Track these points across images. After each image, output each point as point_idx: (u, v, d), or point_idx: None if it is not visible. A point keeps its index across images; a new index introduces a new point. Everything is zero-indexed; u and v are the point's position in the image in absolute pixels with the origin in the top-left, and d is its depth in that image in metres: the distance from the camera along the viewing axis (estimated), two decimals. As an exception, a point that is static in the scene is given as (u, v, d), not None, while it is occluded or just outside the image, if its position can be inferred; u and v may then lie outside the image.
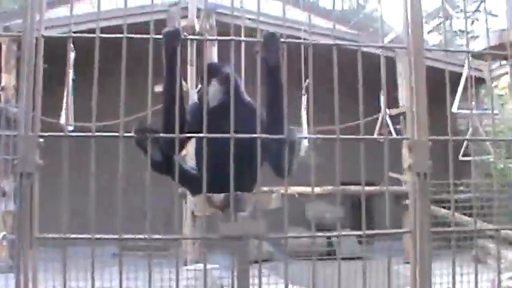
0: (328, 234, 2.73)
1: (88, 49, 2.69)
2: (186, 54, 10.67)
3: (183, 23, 11.04)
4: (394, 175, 11.78)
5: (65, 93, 9.15)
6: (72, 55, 9.21)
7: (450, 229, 2.91)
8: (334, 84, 2.79)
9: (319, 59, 2.75)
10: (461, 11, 25.19)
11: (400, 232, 3.07)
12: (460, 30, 26.28)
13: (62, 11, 12.39)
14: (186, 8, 12.16)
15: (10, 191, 10.60)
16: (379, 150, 2.89)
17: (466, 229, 3.10)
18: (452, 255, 2.83)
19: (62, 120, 9.29)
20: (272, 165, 3.24)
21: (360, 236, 2.83)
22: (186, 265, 9.14)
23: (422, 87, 2.82)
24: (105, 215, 4.01)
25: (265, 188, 9.47)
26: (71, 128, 9.16)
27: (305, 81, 10.64)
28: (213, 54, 11.30)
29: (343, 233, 2.79)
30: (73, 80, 9.18)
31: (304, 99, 11.42)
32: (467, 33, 3.56)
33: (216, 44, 11.30)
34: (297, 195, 10.51)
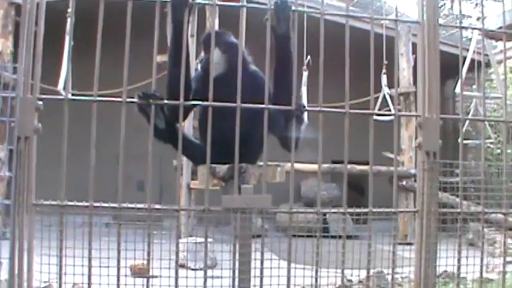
0: (334, 211, 2.66)
1: (90, 13, 2.59)
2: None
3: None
4: (390, 155, 11.72)
5: (64, 59, 9.04)
6: (69, 20, 9.05)
7: (458, 210, 2.85)
8: (345, 57, 2.70)
9: (324, 36, 2.65)
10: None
11: (407, 211, 3.00)
12: (462, 15, 26.06)
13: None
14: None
15: (5, 158, 10.49)
16: (376, 129, 2.81)
17: (474, 211, 3.02)
18: (459, 239, 2.77)
19: (60, 87, 9.15)
20: (278, 137, 3.15)
21: (356, 214, 2.76)
22: (179, 238, 9.10)
23: (436, 63, 2.74)
24: (99, 183, 3.93)
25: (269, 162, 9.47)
26: (69, 95, 9.01)
27: (306, 57, 10.53)
28: (215, 27, 11.12)
29: (349, 210, 2.71)
30: (72, 46, 9.04)
31: (305, 75, 11.31)
32: (482, 7, 3.43)
33: (217, 15, 11.15)
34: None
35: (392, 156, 12.16)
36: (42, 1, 2.60)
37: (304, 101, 10.93)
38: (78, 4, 2.81)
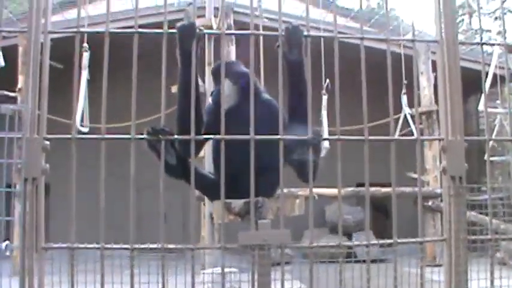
0: (355, 243, 2.53)
1: (102, 50, 2.53)
2: (203, 54, 10.48)
3: (200, 22, 10.86)
4: (415, 175, 11.51)
5: (78, 94, 9.06)
6: (86, 55, 9.09)
7: (488, 237, 2.69)
8: (362, 79, 2.59)
9: (341, 59, 2.54)
10: (481, 8, 24.81)
11: (434, 240, 2.85)
12: (482, 29, 25.86)
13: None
14: (203, 8, 12.01)
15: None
16: (398, 150, 2.68)
17: (505, 237, 2.86)
18: (490, 266, 2.61)
19: (77, 122, 9.15)
20: (295, 168, 3.04)
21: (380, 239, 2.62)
22: (203, 268, 8.96)
23: (457, 82, 2.60)
24: (118, 219, 3.84)
25: (288, 190, 9.31)
26: (85, 129, 9.04)
27: (325, 81, 10.42)
28: (231, 54, 11.13)
29: (373, 241, 2.57)
30: (88, 81, 9.08)
31: (324, 99, 11.20)
32: (503, 21, 3.30)
33: (234, 44, 11.15)
34: (316, 197, 10.28)
35: (415, 176, 11.95)
36: (46, 39, 2.53)
37: (325, 125, 10.80)
38: (91, 38, 2.74)
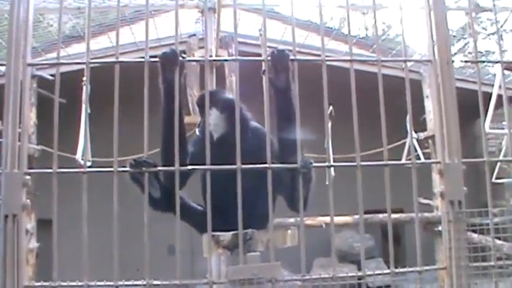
0: (353, 274, 2.42)
1: (105, 85, 2.48)
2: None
3: (201, 53, 10.84)
4: (424, 201, 11.34)
5: (81, 128, 9.02)
6: (85, 89, 9.06)
7: (491, 263, 2.56)
8: (352, 103, 2.49)
9: (342, 87, 2.45)
10: (485, 29, 24.81)
11: (434, 269, 2.73)
12: (486, 51, 25.83)
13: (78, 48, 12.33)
14: (203, 39, 12.01)
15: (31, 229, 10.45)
16: (406, 175, 2.58)
17: (510, 263, 2.73)
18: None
19: (78, 156, 9.08)
20: (285, 198, 2.93)
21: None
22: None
23: (453, 103, 2.51)
24: (127, 251, 3.72)
25: (290, 220, 9.13)
26: (88, 163, 8.95)
27: (328, 107, 10.33)
28: (233, 84, 11.08)
29: (368, 272, 2.45)
30: (88, 114, 9.03)
31: (328, 126, 11.11)
32: (499, 39, 3.22)
33: (237, 75, 11.11)
34: (324, 226, 10.13)
35: (426, 202, 11.77)
36: (25, 72, 2.47)
37: (330, 153, 10.67)
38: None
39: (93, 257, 2.42)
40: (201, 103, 3.21)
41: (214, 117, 3.02)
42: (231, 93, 3.24)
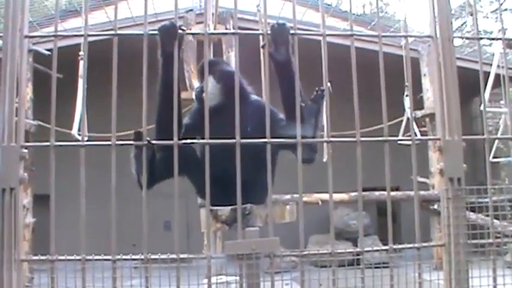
0: (349, 250, 2.41)
1: (102, 60, 2.45)
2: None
3: (199, 28, 10.77)
4: (420, 179, 11.36)
5: (77, 103, 8.98)
6: (82, 63, 9.01)
7: (489, 241, 2.56)
8: (353, 80, 2.47)
9: (340, 63, 2.42)
10: (483, 8, 24.66)
11: (432, 246, 2.73)
12: (483, 31, 25.74)
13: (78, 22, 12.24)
14: (201, 14, 11.93)
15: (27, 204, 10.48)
16: (403, 153, 2.58)
17: (508, 242, 2.74)
18: (493, 272, 2.48)
19: (74, 131, 9.06)
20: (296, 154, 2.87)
21: (386, 244, 2.49)
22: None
23: (454, 80, 2.49)
24: (124, 226, 3.72)
25: (286, 196, 9.13)
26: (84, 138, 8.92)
27: (323, 85, 10.28)
28: (231, 60, 11.03)
29: (367, 248, 2.45)
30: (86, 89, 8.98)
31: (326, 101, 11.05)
32: (501, 15, 3.18)
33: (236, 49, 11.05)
34: (320, 203, 10.15)
35: (423, 180, 11.78)
36: (23, 44, 2.44)
37: (325, 128, 10.65)
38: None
39: (88, 231, 2.41)
40: (200, 71, 3.18)
41: (210, 85, 2.96)
42: (231, 66, 3.19)
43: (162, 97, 2.79)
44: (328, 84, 2.77)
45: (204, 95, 2.60)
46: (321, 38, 2.48)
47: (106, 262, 2.33)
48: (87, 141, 2.51)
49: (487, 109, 10.61)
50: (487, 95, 9.85)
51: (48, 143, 2.39)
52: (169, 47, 2.60)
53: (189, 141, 2.45)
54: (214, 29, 10.09)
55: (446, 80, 2.52)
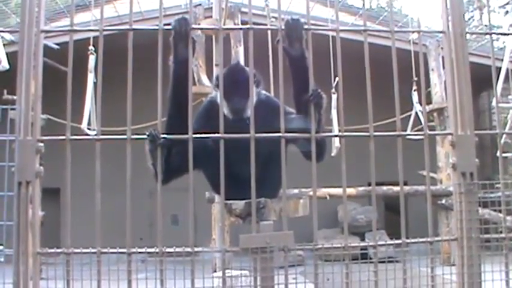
0: (362, 244, 2.43)
1: (108, 54, 2.46)
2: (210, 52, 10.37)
3: (207, 23, 10.79)
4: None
5: (87, 97, 9.02)
6: (92, 57, 9.06)
7: (502, 235, 2.58)
8: (366, 75, 2.48)
9: (348, 59, 2.43)
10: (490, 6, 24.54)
11: (445, 240, 2.74)
12: (491, 25, 25.60)
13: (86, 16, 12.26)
14: (210, 9, 11.95)
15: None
16: (410, 147, 2.58)
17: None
18: (505, 267, 2.49)
19: (84, 125, 9.10)
20: (303, 152, 2.89)
21: (393, 238, 2.51)
22: (215, 271, 8.85)
23: (466, 75, 2.49)
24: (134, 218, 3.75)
25: (294, 191, 9.15)
26: (92, 133, 8.98)
27: (334, 79, 10.29)
28: (239, 54, 11.04)
29: (380, 242, 2.46)
30: (94, 83, 9.01)
31: (334, 97, 11.05)
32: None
33: (242, 44, 11.06)
34: (328, 197, 10.17)
35: (431, 175, 11.81)
36: (39, 38, 2.45)
37: (335, 124, 10.64)
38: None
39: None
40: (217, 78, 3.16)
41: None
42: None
43: (174, 94, 2.81)
44: (337, 79, 2.79)
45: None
46: (333, 33, 2.49)
47: (111, 255, 2.36)
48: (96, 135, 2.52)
49: (500, 104, 10.58)
50: (499, 89, 9.80)
51: (64, 137, 2.41)
52: (182, 44, 2.63)
53: (203, 135, 2.46)
54: (224, 23, 10.09)
55: (458, 75, 2.53)
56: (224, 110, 2.60)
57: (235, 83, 2.92)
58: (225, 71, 2.66)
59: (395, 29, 2.62)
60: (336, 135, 2.48)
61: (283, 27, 2.61)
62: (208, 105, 3.14)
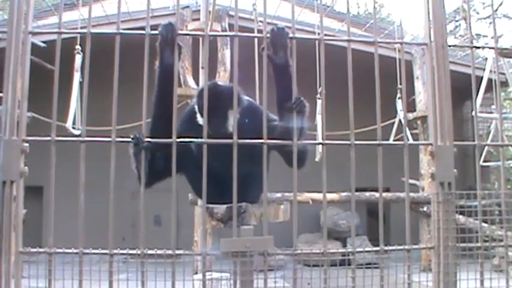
0: (341, 250, 2.47)
1: (94, 54, 2.47)
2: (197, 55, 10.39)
3: (194, 26, 10.80)
4: (410, 181, 11.43)
5: (72, 96, 9.00)
6: (78, 57, 9.04)
7: (478, 244, 2.63)
8: (348, 83, 2.52)
9: (333, 64, 2.47)
10: (478, 13, 24.80)
11: (422, 248, 2.79)
12: (477, 34, 25.87)
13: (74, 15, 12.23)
14: (198, 11, 11.96)
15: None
16: (393, 155, 2.62)
17: (496, 245, 2.81)
18: (480, 275, 2.55)
19: (69, 124, 9.08)
20: (285, 159, 2.92)
21: (375, 244, 2.55)
22: (196, 273, 8.85)
23: (446, 86, 2.55)
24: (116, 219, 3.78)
25: (277, 195, 9.18)
26: (77, 132, 8.96)
27: (319, 86, 10.32)
28: (225, 57, 11.07)
29: (359, 248, 2.51)
30: (80, 83, 9.00)
31: (319, 103, 11.09)
32: (494, 24, 3.24)
33: (229, 47, 11.08)
34: (310, 202, 10.21)
35: (413, 182, 11.84)
36: (26, 39, 2.47)
37: (319, 129, 10.68)
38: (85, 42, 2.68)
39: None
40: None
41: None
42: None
43: (159, 98, 2.84)
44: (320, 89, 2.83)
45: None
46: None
47: (93, 256, 2.38)
48: (80, 135, 2.54)
49: (479, 114, 10.68)
50: (478, 100, 9.94)
51: (49, 138, 2.43)
52: (167, 48, 2.67)
53: (187, 139, 2.49)
54: (211, 26, 10.10)
55: (439, 86, 2.58)
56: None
57: (212, 109, 2.92)
58: (203, 92, 2.66)
59: (379, 39, 2.67)
60: (317, 143, 2.51)
61: (268, 35, 2.65)
62: (192, 111, 3.17)
